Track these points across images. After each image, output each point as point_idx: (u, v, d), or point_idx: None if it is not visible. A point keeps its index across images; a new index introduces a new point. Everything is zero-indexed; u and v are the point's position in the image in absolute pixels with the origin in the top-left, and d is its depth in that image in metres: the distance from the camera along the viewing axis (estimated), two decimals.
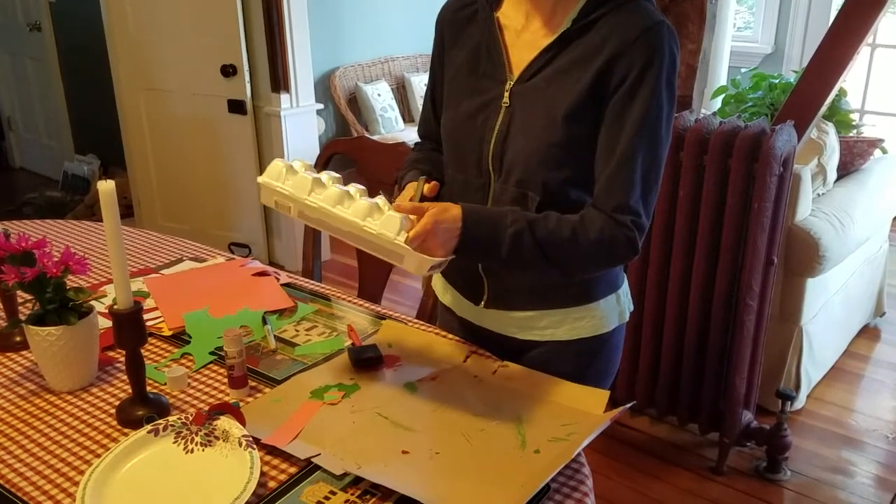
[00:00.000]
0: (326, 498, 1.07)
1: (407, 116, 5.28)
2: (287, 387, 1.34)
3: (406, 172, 1.50)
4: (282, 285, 1.75)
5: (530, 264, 1.26)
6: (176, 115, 3.97)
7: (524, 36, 1.32)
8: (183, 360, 1.45)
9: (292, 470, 1.14)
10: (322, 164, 2.08)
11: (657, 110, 1.23)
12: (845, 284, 3.01)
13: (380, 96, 5.02)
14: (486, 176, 1.35)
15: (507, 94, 1.31)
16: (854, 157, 3.10)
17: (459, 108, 1.37)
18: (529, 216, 1.25)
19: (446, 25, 1.43)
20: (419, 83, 5.24)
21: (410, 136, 4.80)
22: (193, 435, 1.18)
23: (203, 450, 1.16)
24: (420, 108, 5.18)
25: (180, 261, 1.91)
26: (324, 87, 4.89)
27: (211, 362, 1.44)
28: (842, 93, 3.18)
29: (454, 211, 1.22)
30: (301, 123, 3.87)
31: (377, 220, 1.21)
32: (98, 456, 1.16)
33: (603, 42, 1.23)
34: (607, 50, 1.22)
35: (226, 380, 1.36)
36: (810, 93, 2.48)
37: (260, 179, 1.28)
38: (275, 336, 1.53)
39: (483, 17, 1.36)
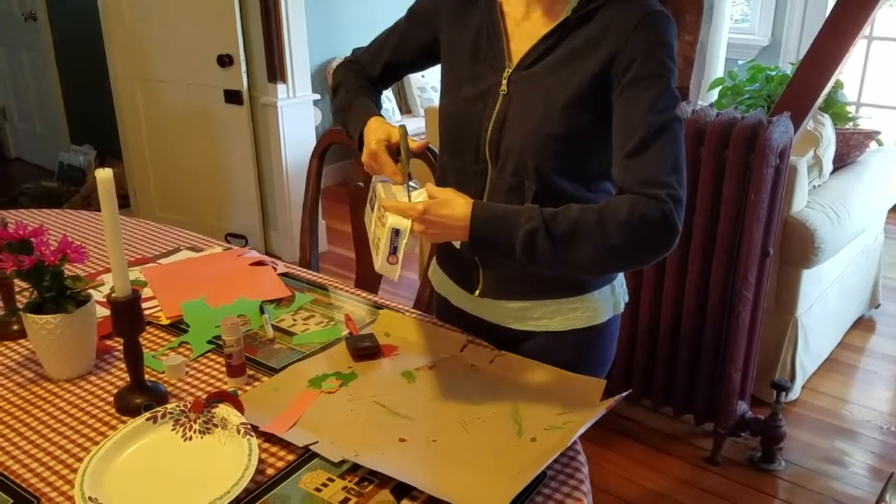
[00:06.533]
0: (324, 485, 1.08)
1: (404, 107, 5.27)
2: (285, 375, 1.35)
3: (355, 98, 1.50)
4: (279, 275, 1.76)
5: (550, 265, 1.19)
6: (172, 105, 3.96)
7: (524, 25, 1.32)
8: (181, 349, 1.46)
9: (290, 457, 1.14)
10: (319, 153, 2.08)
11: (668, 90, 1.22)
12: (841, 276, 3.02)
13: None
14: (483, 164, 1.35)
15: (505, 82, 1.31)
16: (850, 149, 3.10)
17: (458, 95, 1.37)
18: (548, 213, 1.17)
19: (444, 8, 1.43)
20: (415, 75, 5.24)
21: (407, 125, 4.79)
22: (192, 422, 1.18)
23: (201, 437, 1.17)
24: (417, 98, 5.19)
25: (177, 250, 1.91)
26: (321, 78, 4.89)
27: (209, 351, 1.45)
28: (838, 85, 3.19)
29: (461, 210, 1.18)
30: (298, 114, 3.87)
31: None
32: (96, 443, 1.16)
33: (603, 31, 1.24)
34: (609, 39, 1.23)
35: (224, 368, 1.36)
36: (807, 84, 2.49)
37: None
38: (272, 325, 1.53)
39: (486, 2, 1.36)
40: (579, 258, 1.18)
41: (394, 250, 1.19)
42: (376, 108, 1.47)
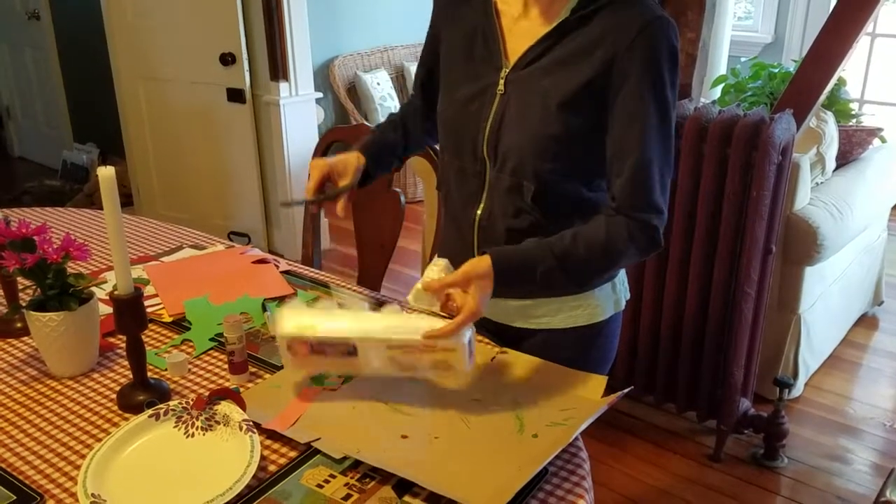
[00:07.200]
0: (326, 481, 1.08)
1: None
2: (287, 372, 1.35)
3: (374, 131, 1.57)
4: (281, 273, 1.76)
5: (564, 290, 1.36)
6: (175, 103, 3.97)
7: (522, 23, 1.31)
8: (183, 347, 1.46)
9: (292, 454, 1.14)
10: (321, 151, 2.08)
11: (665, 105, 1.23)
12: (844, 273, 3.02)
13: (379, 85, 5.02)
14: (482, 163, 1.35)
15: (502, 82, 1.31)
16: (853, 147, 3.10)
17: (455, 95, 1.37)
18: (557, 250, 1.24)
19: (442, 9, 1.43)
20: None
21: None
22: (194, 419, 1.18)
23: (204, 434, 1.17)
24: None
25: (180, 248, 1.92)
26: (323, 76, 4.89)
27: (211, 348, 1.45)
28: (841, 82, 3.18)
29: (486, 276, 1.20)
30: (300, 112, 3.87)
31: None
32: (99, 440, 1.17)
33: (602, 35, 1.23)
34: (608, 45, 1.22)
35: (226, 366, 1.36)
36: (809, 81, 2.48)
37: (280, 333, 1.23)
38: None
39: (479, 1, 1.36)
40: (587, 281, 1.36)
41: (471, 354, 1.20)
42: (374, 146, 1.51)
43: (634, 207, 1.25)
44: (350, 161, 1.44)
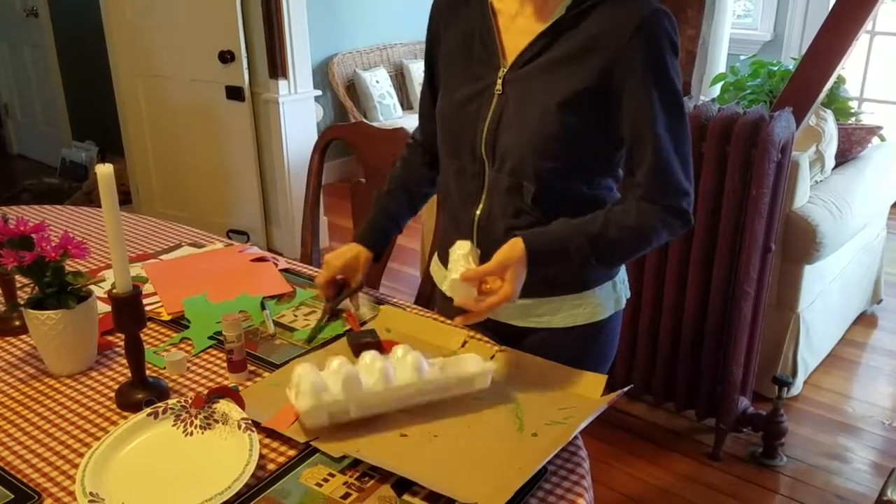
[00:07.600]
0: (325, 480, 1.08)
1: (405, 103, 5.27)
2: (286, 371, 1.35)
3: (376, 204, 1.60)
4: (280, 271, 1.76)
5: (593, 271, 1.37)
6: (174, 101, 3.96)
7: (518, 21, 1.31)
8: (182, 345, 1.46)
9: (291, 452, 1.14)
10: (320, 150, 2.08)
11: (673, 90, 1.24)
12: (843, 271, 3.02)
13: (378, 83, 5.01)
14: (480, 164, 1.35)
15: (499, 82, 1.31)
16: (852, 145, 3.10)
17: (453, 96, 1.37)
18: (589, 233, 1.26)
19: (440, 14, 1.43)
20: (418, 70, 5.24)
21: (409, 122, 4.79)
22: (193, 418, 1.18)
23: (202, 432, 1.17)
24: (419, 94, 5.19)
25: (179, 246, 1.92)
26: (322, 74, 4.89)
27: (210, 347, 1.45)
28: (840, 80, 3.18)
29: (521, 261, 1.23)
30: (299, 110, 3.86)
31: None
32: (97, 439, 1.16)
33: (600, 33, 1.22)
34: (606, 42, 1.22)
35: (225, 364, 1.36)
36: (809, 80, 2.48)
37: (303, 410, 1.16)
38: (273, 321, 1.53)
39: (476, 1, 1.35)
40: (617, 262, 1.39)
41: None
42: (378, 234, 1.58)
43: (661, 195, 1.28)
44: (360, 259, 1.55)
